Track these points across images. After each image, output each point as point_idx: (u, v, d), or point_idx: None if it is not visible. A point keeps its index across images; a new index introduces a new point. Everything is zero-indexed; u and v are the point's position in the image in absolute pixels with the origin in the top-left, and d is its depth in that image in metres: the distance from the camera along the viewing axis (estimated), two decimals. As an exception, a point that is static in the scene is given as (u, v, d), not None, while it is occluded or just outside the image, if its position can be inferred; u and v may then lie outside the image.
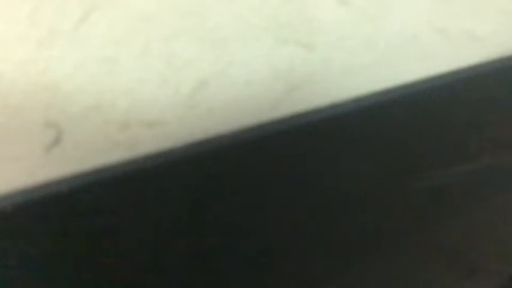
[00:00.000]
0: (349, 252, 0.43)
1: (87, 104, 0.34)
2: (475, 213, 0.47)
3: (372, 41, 0.40)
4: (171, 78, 0.36)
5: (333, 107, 0.39)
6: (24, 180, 0.32)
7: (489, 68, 0.43)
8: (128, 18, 0.35)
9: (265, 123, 0.37)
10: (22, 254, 0.33)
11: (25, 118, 0.33)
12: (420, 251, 0.46)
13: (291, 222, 0.40)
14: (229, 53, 0.37)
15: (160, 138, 0.35)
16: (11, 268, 0.33)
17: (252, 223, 0.39)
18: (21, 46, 0.33)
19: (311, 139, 0.38)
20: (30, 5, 0.32)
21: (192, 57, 0.36)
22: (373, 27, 0.41)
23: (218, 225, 0.37)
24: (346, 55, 0.40)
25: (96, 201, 0.33)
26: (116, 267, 0.35)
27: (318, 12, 0.39)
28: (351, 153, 0.40)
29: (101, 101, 0.34)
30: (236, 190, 0.37)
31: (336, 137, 0.39)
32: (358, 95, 0.39)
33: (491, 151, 0.45)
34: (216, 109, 0.37)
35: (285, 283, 0.42)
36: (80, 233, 0.33)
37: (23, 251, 0.33)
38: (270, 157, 0.38)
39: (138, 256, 0.36)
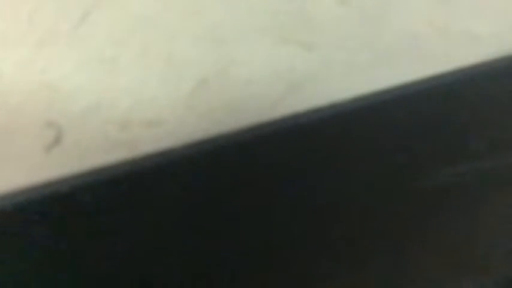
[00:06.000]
0: (348, 252, 0.43)
1: (87, 104, 0.34)
2: (474, 213, 0.47)
3: (372, 41, 0.40)
4: (171, 78, 0.36)
5: (333, 107, 0.39)
6: (24, 180, 0.32)
7: (489, 68, 0.43)
8: (128, 18, 0.35)
9: (265, 123, 0.37)
10: (22, 254, 0.33)
11: (25, 118, 0.33)
12: (420, 251, 0.46)
13: (291, 222, 0.40)
14: (229, 53, 0.37)
15: (160, 138, 0.35)
16: (11, 268, 0.33)
17: (252, 223, 0.39)
18: (21, 46, 0.33)
19: (311, 139, 0.38)
20: (30, 5, 0.33)
21: (192, 57, 0.36)
22: (373, 27, 0.41)
23: (218, 225, 0.37)
24: (346, 55, 0.40)
25: (96, 201, 0.33)
26: (116, 267, 0.35)
27: (318, 12, 0.39)
28: (351, 153, 0.40)
29: (101, 101, 0.34)
30: (236, 190, 0.37)
31: (336, 137, 0.39)
32: (358, 95, 0.39)
33: (491, 151, 0.45)
34: (216, 109, 0.37)
35: (285, 283, 0.42)
36: (80, 233, 0.33)
37: (23, 251, 0.33)
38: (270, 157, 0.38)
39: (138, 256, 0.36)
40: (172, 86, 0.36)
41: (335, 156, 0.40)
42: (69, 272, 0.34)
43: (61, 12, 0.33)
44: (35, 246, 0.33)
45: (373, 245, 0.43)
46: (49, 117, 0.33)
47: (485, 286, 0.49)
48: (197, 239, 0.37)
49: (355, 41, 0.40)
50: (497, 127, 0.45)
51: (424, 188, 0.43)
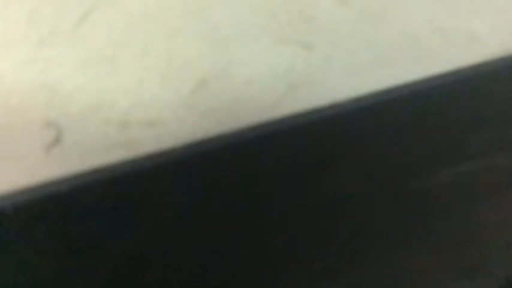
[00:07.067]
0: (347, 251, 0.43)
1: (87, 104, 0.34)
2: (474, 214, 0.47)
3: (372, 41, 0.40)
4: (171, 78, 0.36)
5: (333, 107, 0.39)
6: (24, 180, 0.32)
7: (489, 68, 0.43)
8: (128, 18, 0.35)
9: (265, 123, 0.37)
10: (22, 254, 0.33)
11: (25, 118, 0.33)
12: (419, 251, 0.46)
13: (291, 222, 0.40)
14: (229, 53, 0.37)
15: (160, 138, 0.35)
16: (11, 268, 0.33)
17: (252, 223, 0.39)
18: (21, 46, 0.33)
19: (311, 139, 0.38)
20: (30, 5, 0.33)
21: (192, 57, 0.36)
22: (373, 27, 0.41)
23: (218, 225, 0.37)
24: (346, 55, 0.40)
25: (96, 201, 0.33)
26: (116, 267, 0.35)
27: (318, 12, 0.39)
28: (350, 153, 0.40)
29: (101, 101, 0.34)
30: (236, 190, 0.37)
31: (336, 137, 0.39)
32: (358, 95, 0.39)
33: (491, 151, 0.45)
34: (216, 109, 0.37)
35: (284, 283, 0.42)
36: (80, 233, 0.33)
37: (23, 251, 0.33)
38: (270, 157, 0.38)
39: (138, 256, 0.36)
40: (172, 86, 0.36)
41: (335, 156, 0.40)
42: (69, 272, 0.34)
43: (61, 12, 0.33)
44: (35, 246, 0.33)
45: (373, 245, 0.43)
46: (49, 117, 0.33)
47: (485, 286, 0.49)
48: (197, 239, 0.37)
49: (355, 41, 0.40)
50: (497, 127, 0.45)
51: (424, 188, 0.43)
